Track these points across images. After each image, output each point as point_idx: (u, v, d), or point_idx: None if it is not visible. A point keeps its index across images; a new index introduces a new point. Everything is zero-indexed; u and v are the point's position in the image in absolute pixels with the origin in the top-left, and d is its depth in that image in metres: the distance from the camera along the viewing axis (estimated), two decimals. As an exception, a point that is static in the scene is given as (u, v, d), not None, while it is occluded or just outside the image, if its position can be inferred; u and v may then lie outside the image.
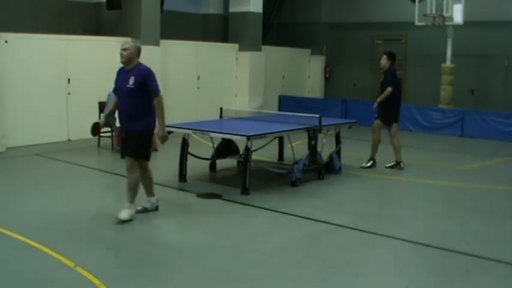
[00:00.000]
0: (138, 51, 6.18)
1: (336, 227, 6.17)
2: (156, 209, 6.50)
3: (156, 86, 6.07)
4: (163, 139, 6.16)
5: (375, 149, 9.45)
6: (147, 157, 6.19)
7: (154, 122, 6.16)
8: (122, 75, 6.15)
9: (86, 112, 11.14)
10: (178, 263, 5.05)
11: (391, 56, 9.38)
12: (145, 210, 6.39)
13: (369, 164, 9.37)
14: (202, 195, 7.37)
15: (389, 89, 9.12)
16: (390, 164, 9.38)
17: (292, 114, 9.93)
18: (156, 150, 6.16)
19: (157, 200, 6.50)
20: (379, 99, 9.21)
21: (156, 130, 6.13)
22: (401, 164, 9.34)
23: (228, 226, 6.22)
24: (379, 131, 9.39)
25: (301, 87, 18.00)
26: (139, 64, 6.15)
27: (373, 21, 17.03)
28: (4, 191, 7.48)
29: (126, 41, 6.26)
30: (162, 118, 6.14)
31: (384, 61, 9.34)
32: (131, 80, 5.97)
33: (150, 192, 6.46)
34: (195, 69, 14.09)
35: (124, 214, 5.97)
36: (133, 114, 5.99)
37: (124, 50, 6.08)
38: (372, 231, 6.03)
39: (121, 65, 6.21)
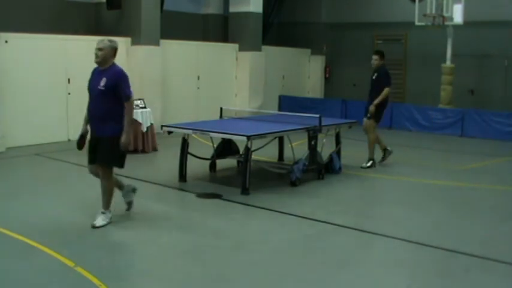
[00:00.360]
0: (114, 51, 5.86)
1: (335, 227, 6.17)
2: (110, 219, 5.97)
3: (128, 89, 5.75)
4: (124, 145, 5.74)
5: (374, 148, 9.48)
6: (122, 165, 5.90)
7: (123, 127, 5.82)
8: (95, 76, 5.85)
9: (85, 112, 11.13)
10: (178, 263, 5.05)
11: (383, 55, 9.48)
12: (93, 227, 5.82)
13: (368, 164, 9.37)
14: (202, 195, 7.37)
15: (387, 90, 9.22)
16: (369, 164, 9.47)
17: (292, 114, 9.93)
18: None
19: (111, 218, 5.96)
20: (377, 100, 9.20)
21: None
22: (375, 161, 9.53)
23: (228, 226, 6.22)
24: (375, 130, 9.45)
25: (301, 87, 18.00)
26: (114, 65, 5.85)
27: (373, 21, 17.03)
28: (4, 191, 7.48)
29: (102, 40, 5.87)
30: (129, 124, 5.77)
31: (377, 61, 9.39)
32: (102, 82, 5.67)
33: (106, 205, 5.97)
34: (195, 69, 14.09)
35: (99, 220, 5.84)
36: (104, 117, 5.68)
37: (99, 49, 5.77)
38: (372, 231, 6.03)
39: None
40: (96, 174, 5.95)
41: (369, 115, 9.29)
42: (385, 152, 9.66)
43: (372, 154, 9.46)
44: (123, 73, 5.80)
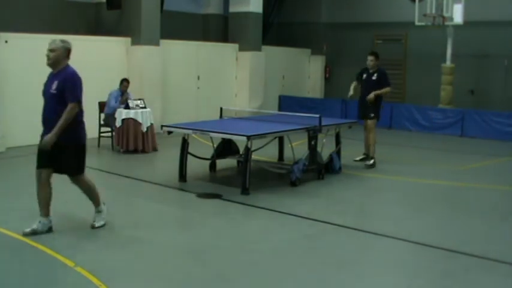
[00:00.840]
0: (68, 52, 5.48)
1: (335, 227, 6.16)
2: (49, 230, 5.59)
3: (75, 92, 5.36)
4: (44, 145, 5.37)
5: (375, 147, 9.59)
6: (80, 171, 5.68)
7: (84, 133, 5.68)
8: (49, 79, 5.53)
9: (85, 112, 11.10)
10: (178, 263, 5.05)
11: (378, 56, 9.64)
12: (34, 233, 5.46)
13: (371, 162, 9.45)
14: (202, 195, 7.37)
15: (388, 89, 9.42)
16: (361, 157, 9.68)
17: (292, 114, 9.94)
18: None
19: (50, 221, 5.62)
20: (379, 92, 9.34)
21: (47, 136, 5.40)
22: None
23: (228, 226, 6.22)
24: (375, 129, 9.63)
25: (301, 87, 18.00)
26: (67, 67, 5.47)
27: (373, 21, 17.02)
28: (4, 191, 7.48)
29: (54, 40, 5.50)
30: (61, 127, 5.32)
31: (373, 62, 9.52)
32: (54, 85, 5.35)
33: (47, 210, 5.61)
34: (195, 69, 14.09)
35: (98, 220, 5.81)
36: (55, 124, 5.32)
37: (51, 51, 5.41)
38: (372, 231, 6.03)
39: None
40: (41, 179, 5.50)
41: (372, 114, 9.41)
42: (366, 157, 9.67)
43: (373, 153, 9.49)
44: (74, 75, 5.41)
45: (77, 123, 5.47)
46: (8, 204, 6.76)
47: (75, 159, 5.57)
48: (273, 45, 16.64)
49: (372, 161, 9.46)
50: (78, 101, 5.42)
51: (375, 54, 9.60)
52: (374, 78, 9.47)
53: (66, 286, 4.47)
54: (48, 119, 5.44)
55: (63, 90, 5.32)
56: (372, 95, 9.32)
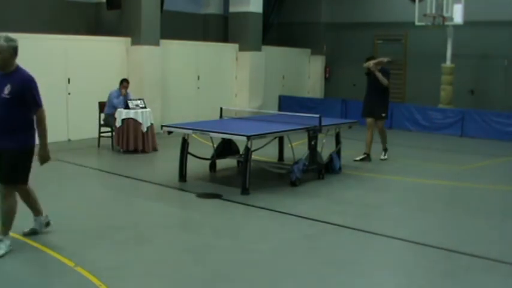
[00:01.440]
0: (15, 51, 4.98)
1: (335, 227, 6.16)
2: (47, 225, 5.59)
3: (39, 97, 5.03)
4: (43, 159, 5.17)
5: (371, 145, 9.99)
6: (24, 181, 5.20)
7: (34, 139, 5.13)
8: None
9: (86, 112, 11.15)
10: (178, 263, 5.05)
11: (375, 58, 10.12)
12: (33, 232, 5.48)
13: (386, 156, 10.04)
14: (202, 195, 7.37)
15: (386, 81, 9.76)
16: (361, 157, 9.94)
17: (292, 114, 9.94)
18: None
19: (46, 216, 5.57)
20: (378, 73, 9.68)
21: (37, 149, 5.13)
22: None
23: (228, 226, 6.22)
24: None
25: (301, 87, 18.00)
26: (19, 69, 5.03)
27: (373, 21, 17.02)
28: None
29: None
30: (44, 136, 5.11)
31: (373, 65, 9.82)
32: (7, 89, 4.88)
33: (37, 211, 5.51)
34: (195, 69, 14.09)
35: None
36: (7, 129, 4.93)
37: None
38: (372, 231, 6.03)
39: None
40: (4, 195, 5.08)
41: (384, 114, 9.90)
42: (366, 157, 9.93)
43: (385, 145, 10.08)
44: (31, 79, 5.00)
45: (28, 128, 5.04)
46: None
47: (13, 166, 5.00)
48: (273, 45, 16.64)
49: (386, 156, 10.04)
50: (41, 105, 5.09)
51: (372, 59, 10.01)
52: (374, 75, 9.77)
53: (66, 286, 4.47)
54: (0, 126, 4.95)
55: (20, 94, 4.91)
56: (371, 62, 9.74)
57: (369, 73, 9.90)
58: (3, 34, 5.11)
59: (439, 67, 14.72)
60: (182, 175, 8.04)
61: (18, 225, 5.72)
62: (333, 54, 18.25)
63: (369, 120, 9.92)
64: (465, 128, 13.71)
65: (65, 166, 9.13)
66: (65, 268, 4.75)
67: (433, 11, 13.89)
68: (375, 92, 9.77)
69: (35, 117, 5.08)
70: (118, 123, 10.13)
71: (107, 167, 9.32)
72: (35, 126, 5.10)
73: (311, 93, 18.19)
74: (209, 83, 14.41)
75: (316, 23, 18.06)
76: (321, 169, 8.46)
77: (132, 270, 4.85)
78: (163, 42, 12.74)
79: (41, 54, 10.86)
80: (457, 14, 13.91)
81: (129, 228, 5.94)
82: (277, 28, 18.21)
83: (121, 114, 10.12)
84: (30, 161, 5.14)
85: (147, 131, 10.23)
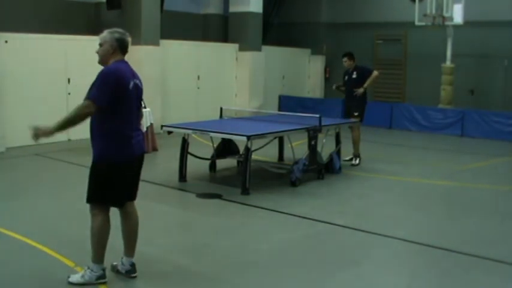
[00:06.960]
0: (119, 44, 4.48)
1: (336, 227, 6.17)
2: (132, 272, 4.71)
3: (95, 91, 4.59)
4: (37, 134, 4.56)
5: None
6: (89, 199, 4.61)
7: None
8: None
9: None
10: (178, 263, 5.05)
11: (352, 55, 9.91)
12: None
13: (357, 161, 9.64)
14: (202, 195, 7.37)
15: (375, 73, 9.75)
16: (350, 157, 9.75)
17: (292, 114, 9.95)
18: None
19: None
20: (367, 84, 9.62)
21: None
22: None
23: (228, 226, 6.22)
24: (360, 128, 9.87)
25: (301, 87, 18.00)
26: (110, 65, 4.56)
27: (373, 21, 17.02)
28: (4, 191, 7.48)
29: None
30: (62, 125, 4.71)
31: (347, 62, 9.82)
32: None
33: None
34: (195, 69, 14.09)
35: (74, 277, 4.46)
36: (93, 136, 4.83)
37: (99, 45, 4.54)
38: (372, 231, 6.03)
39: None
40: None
41: (356, 113, 9.66)
42: (354, 158, 9.79)
43: (357, 150, 9.66)
44: (104, 71, 4.53)
45: (107, 135, 4.70)
46: (8, 204, 6.76)
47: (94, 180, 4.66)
48: (273, 45, 16.63)
49: (357, 160, 9.61)
50: None
51: (348, 55, 9.89)
52: (354, 76, 9.79)
53: (66, 286, 4.47)
54: (90, 133, 4.85)
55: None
56: (361, 89, 9.58)
57: (343, 76, 9.97)
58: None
59: (439, 67, 14.72)
60: (182, 175, 8.04)
61: (18, 226, 5.72)
62: (333, 54, 18.23)
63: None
64: (465, 128, 13.71)
65: (65, 166, 9.14)
66: (65, 268, 4.75)
67: (433, 11, 13.88)
68: (350, 92, 9.79)
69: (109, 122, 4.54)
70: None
71: (107, 167, 9.31)
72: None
73: (311, 93, 18.19)
74: (209, 83, 14.40)
75: (316, 23, 18.06)
76: (321, 169, 8.46)
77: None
78: (163, 42, 12.74)
79: (41, 54, 10.87)
80: (457, 14, 13.91)
81: (129, 228, 5.92)
82: (277, 28, 18.21)
83: (121, 114, 10.11)
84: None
85: (147, 131, 10.22)
